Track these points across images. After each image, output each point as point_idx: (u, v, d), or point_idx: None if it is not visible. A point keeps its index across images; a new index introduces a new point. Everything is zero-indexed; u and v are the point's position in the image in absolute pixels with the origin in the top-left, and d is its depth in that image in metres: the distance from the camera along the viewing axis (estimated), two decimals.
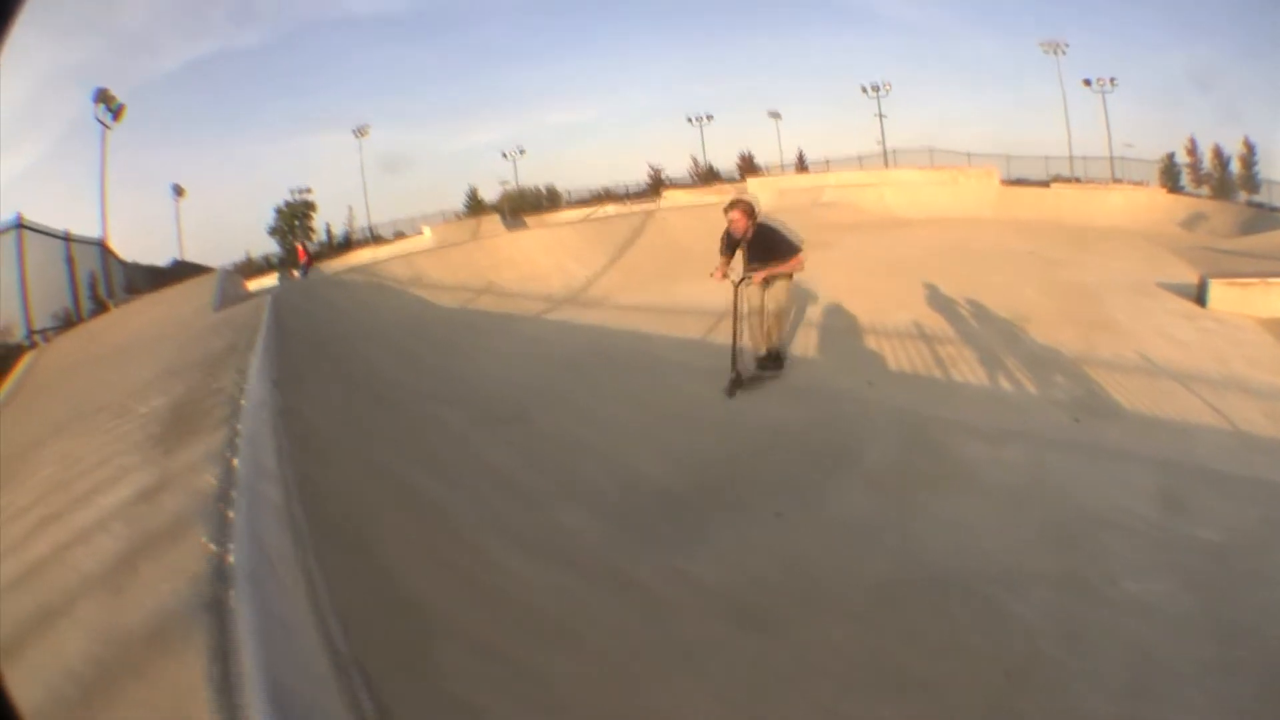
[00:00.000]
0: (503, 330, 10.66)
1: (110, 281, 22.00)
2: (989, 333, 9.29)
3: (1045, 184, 29.12)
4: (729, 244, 8.25)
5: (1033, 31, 71.99)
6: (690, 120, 53.86)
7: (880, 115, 49.11)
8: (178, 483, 2.15)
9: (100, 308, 18.99)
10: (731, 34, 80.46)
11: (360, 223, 49.35)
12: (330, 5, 74.11)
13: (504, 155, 55.12)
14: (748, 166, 51.59)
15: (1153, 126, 63.95)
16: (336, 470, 4.59)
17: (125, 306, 17.11)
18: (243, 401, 2.90)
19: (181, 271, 30.45)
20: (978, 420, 6.63)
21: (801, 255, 8.10)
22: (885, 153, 46.57)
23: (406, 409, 7.04)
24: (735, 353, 7.94)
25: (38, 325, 14.94)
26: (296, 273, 28.96)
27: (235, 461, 2.19)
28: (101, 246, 22.89)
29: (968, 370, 8.07)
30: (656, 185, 46.58)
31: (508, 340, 10.09)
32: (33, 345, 13.95)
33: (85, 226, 30.38)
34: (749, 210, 8.10)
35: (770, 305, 8.11)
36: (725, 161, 53.89)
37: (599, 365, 8.87)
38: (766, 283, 8.14)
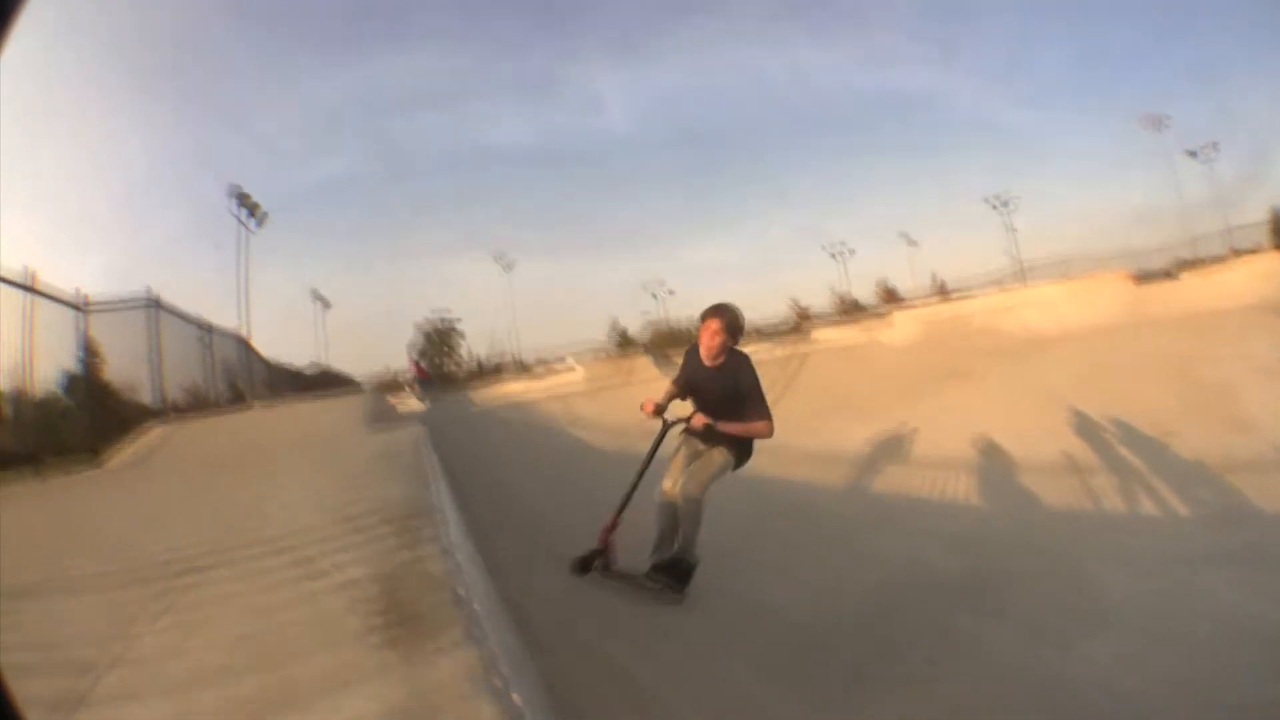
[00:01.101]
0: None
1: (250, 374, 23.43)
2: (1134, 453, 9.11)
3: (1170, 273, 27.99)
4: (687, 371, 6.20)
5: (1131, 110, 70.71)
6: (830, 254, 54.02)
7: (1010, 229, 49.71)
8: (448, 714, 1.87)
9: (238, 396, 20.29)
10: (860, 162, 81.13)
11: (505, 348, 50.49)
12: (476, 135, 77.46)
13: (652, 295, 56.07)
14: (889, 296, 51.06)
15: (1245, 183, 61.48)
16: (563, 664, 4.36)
17: (268, 406, 17.51)
18: (469, 598, 2.63)
19: (323, 378, 31.44)
20: (1131, 550, 6.41)
21: (769, 425, 5.76)
22: (1018, 268, 45.61)
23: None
24: (619, 511, 6.14)
25: (169, 393, 16.09)
26: (415, 389, 29.46)
27: (515, 697, 1.92)
28: (242, 341, 24.50)
29: (1118, 498, 7.83)
30: (801, 321, 46.32)
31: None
32: (163, 413, 14.82)
33: (223, 311, 32.21)
34: (732, 326, 5.83)
35: (690, 484, 5.81)
36: (865, 291, 53.54)
37: (763, 518, 8.26)
38: (706, 440, 6.03)
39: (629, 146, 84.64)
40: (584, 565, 6.04)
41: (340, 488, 4.93)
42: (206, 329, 19.57)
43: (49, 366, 13.62)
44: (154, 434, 12.39)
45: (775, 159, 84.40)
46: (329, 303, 48.12)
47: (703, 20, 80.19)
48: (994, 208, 50.07)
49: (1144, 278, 26.28)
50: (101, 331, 14.87)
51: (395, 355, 53.34)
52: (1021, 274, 44.78)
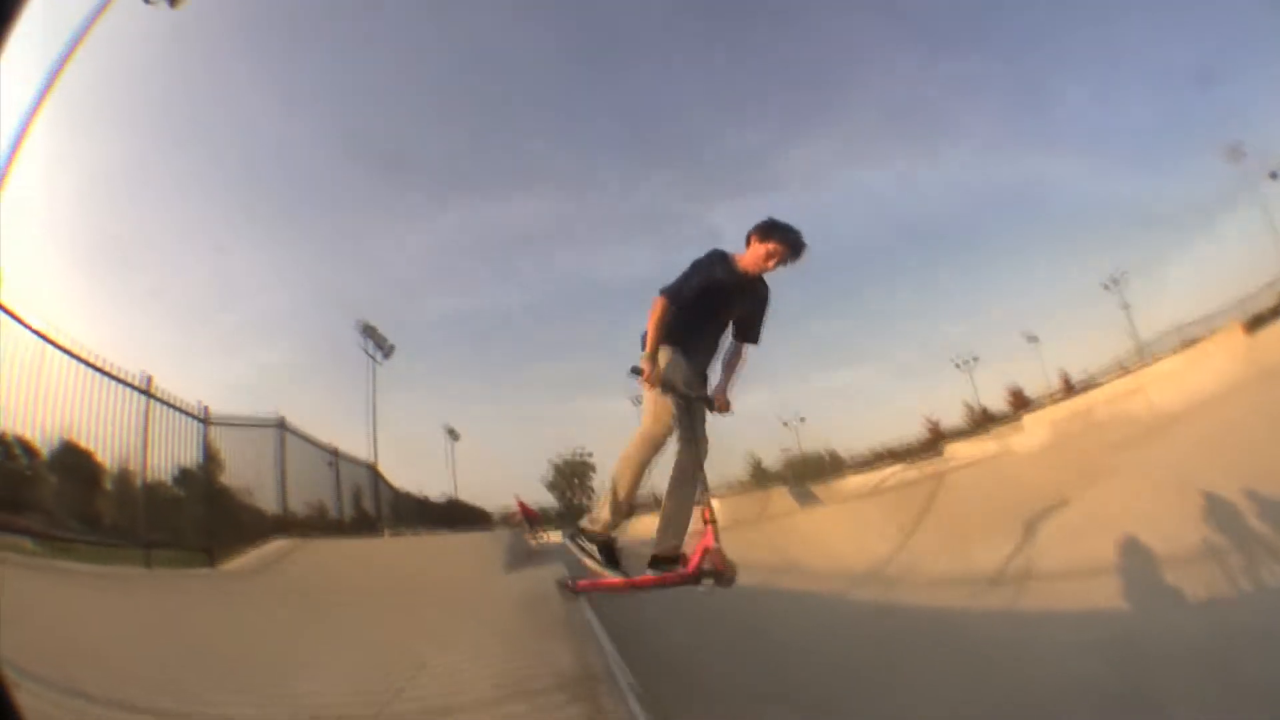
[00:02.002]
0: (824, 615, 10.09)
1: (378, 502, 23.87)
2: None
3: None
4: (711, 281, 5.04)
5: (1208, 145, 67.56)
6: (956, 364, 52.89)
7: (1125, 306, 46.62)
8: None
9: (365, 521, 20.93)
10: (978, 264, 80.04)
11: (643, 489, 50.61)
12: (603, 271, 79.60)
13: (784, 424, 55.60)
14: (1018, 401, 49.30)
15: None
16: None
17: (397, 534, 18.63)
18: None
19: (453, 509, 31.74)
20: None
21: None
22: (1138, 346, 43.45)
23: None
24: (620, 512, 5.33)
25: (291, 507, 16.46)
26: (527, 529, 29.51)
27: None
28: (371, 470, 24.87)
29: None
30: (935, 438, 45.11)
31: (834, 627, 9.43)
32: (286, 526, 15.19)
33: (352, 435, 33.20)
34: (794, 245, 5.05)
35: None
36: (994, 399, 52.01)
37: (922, 651, 7.85)
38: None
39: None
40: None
41: (503, 646, 4.65)
42: (333, 454, 20.18)
43: (165, 464, 13.93)
44: (276, 546, 12.50)
45: (893, 275, 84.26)
46: (458, 435, 49.07)
47: (815, 144, 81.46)
48: (1106, 288, 48.28)
49: (1254, 323, 24.97)
50: (225, 443, 15.40)
51: (527, 488, 54.01)
52: (1141, 351, 42.82)
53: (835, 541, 13.58)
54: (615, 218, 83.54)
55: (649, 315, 4.88)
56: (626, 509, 5.18)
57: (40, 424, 11.16)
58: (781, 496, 24.37)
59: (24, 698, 1.43)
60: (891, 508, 14.90)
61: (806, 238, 5.08)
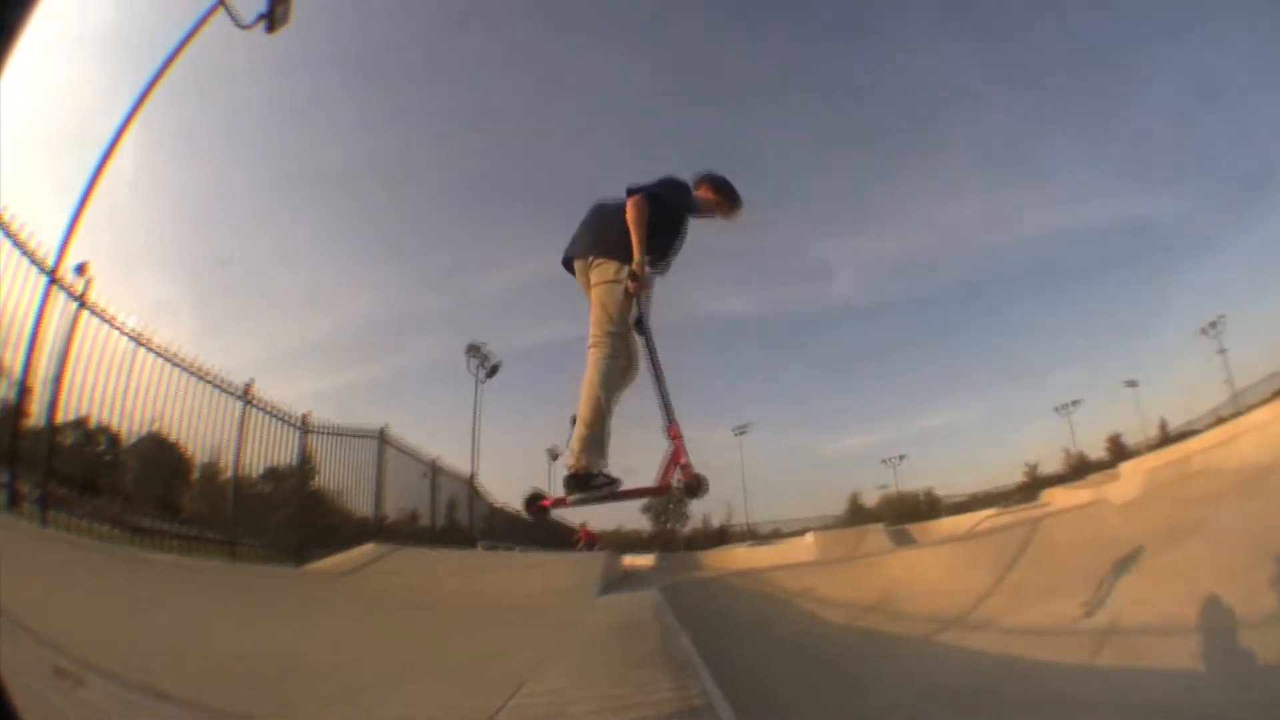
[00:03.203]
0: (907, 656, 10.11)
1: (473, 515, 24.95)
2: None
3: None
4: (671, 216, 5.19)
5: None
6: (1056, 409, 51.51)
7: (1221, 351, 46.49)
8: None
9: (458, 532, 22.11)
10: (1081, 305, 77.86)
11: (738, 515, 50.63)
12: (704, 303, 79.46)
13: (883, 461, 54.95)
14: (1116, 449, 47.70)
15: None
16: None
17: (492, 548, 19.76)
18: None
19: (549, 530, 32.16)
20: None
21: None
22: (1234, 394, 41.62)
23: None
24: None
25: (385, 515, 17.19)
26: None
27: None
28: (469, 484, 26.12)
29: None
30: (1032, 484, 44.05)
31: (917, 670, 9.49)
32: (378, 531, 15.81)
33: (452, 451, 33.76)
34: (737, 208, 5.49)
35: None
36: (1094, 444, 50.43)
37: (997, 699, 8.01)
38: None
39: (855, 313, 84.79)
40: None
41: (601, 671, 4.52)
42: (431, 466, 20.95)
43: (259, 465, 14.55)
44: (367, 550, 12.65)
45: (996, 316, 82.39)
46: (559, 453, 49.36)
47: (915, 182, 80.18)
48: (1204, 333, 46.60)
49: None
50: (323, 449, 16.13)
51: (624, 515, 54.26)
52: (1235, 399, 41.05)
53: (924, 583, 13.41)
54: (718, 250, 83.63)
55: (627, 211, 4.87)
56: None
57: (129, 419, 11.55)
58: (876, 534, 24.08)
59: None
60: (983, 552, 14.77)
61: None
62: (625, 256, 4.79)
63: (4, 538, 7.96)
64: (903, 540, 24.29)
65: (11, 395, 10.16)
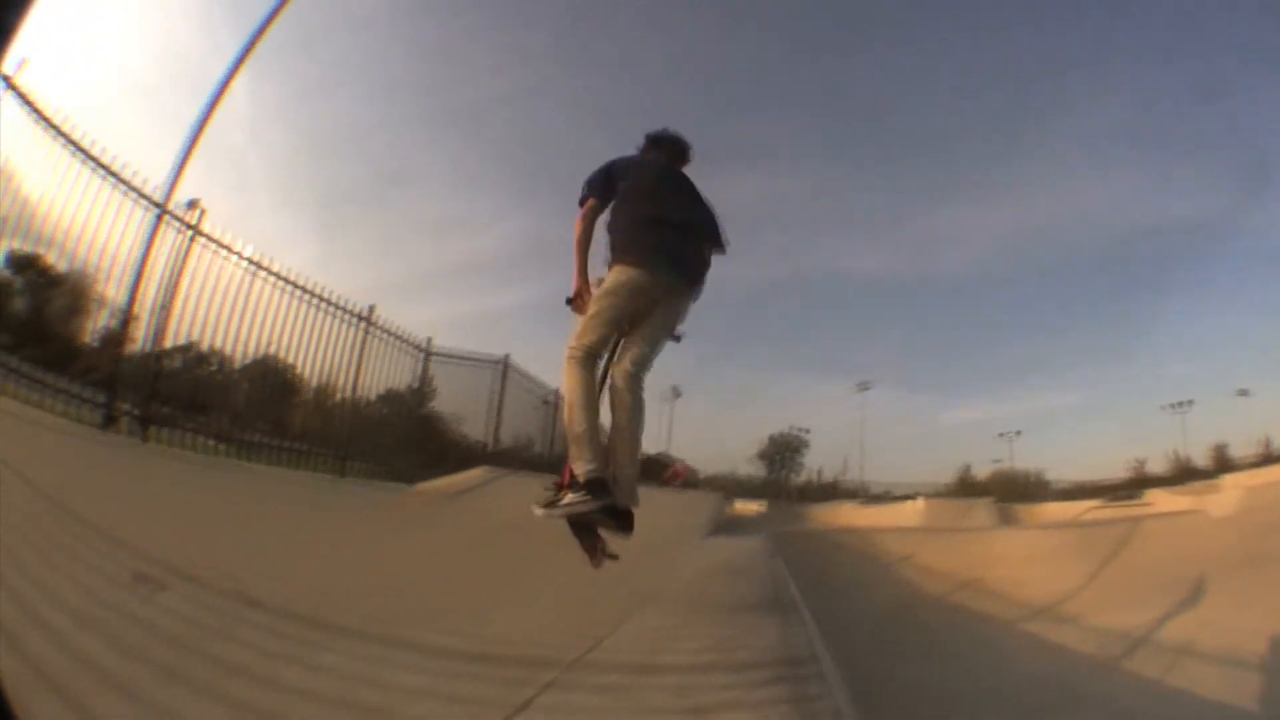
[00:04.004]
0: (994, 641, 9.85)
1: None
2: None
3: None
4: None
5: None
6: (1166, 406, 49.60)
7: None
8: None
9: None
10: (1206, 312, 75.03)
11: (850, 472, 50.28)
12: (833, 258, 78.93)
13: (1000, 435, 53.87)
14: (1220, 459, 45.76)
15: None
16: None
17: None
18: None
19: (662, 464, 32.06)
20: None
21: None
22: None
23: None
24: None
25: (501, 439, 17.33)
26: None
27: None
28: None
29: None
30: (1137, 482, 42.61)
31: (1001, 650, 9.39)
32: (491, 456, 15.93)
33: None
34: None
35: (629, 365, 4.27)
36: (1200, 449, 48.51)
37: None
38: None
39: (979, 282, 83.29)
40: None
41: (706, 612, 4.47)
42: (555, 394, 20.75)
43: (377, 386, 14.79)
44: (478, 473, 12.89)
45: (1119, 302, 79.89)
46: (680, 392, 49.60)
47: (1035, 157, 77.93)
48: None
49: None
50: (444, 374, 16.42)
51: (738, 456, 54.54)
52: None
53: (1021, 567, 13.20)
54: (854, 211, 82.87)
55: None
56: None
57: (243, 343, 11.77)
58: (984, 509, 23.72)
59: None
60: (1081, 544, 14.43)
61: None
62: (614, 260, 4.38)
63: (97, 452, 8.14)
64: (1008, 519, 24.16)
65: (114, 323, 10.57)
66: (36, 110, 8.93)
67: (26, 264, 12.77)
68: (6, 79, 8.54)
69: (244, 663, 2.39)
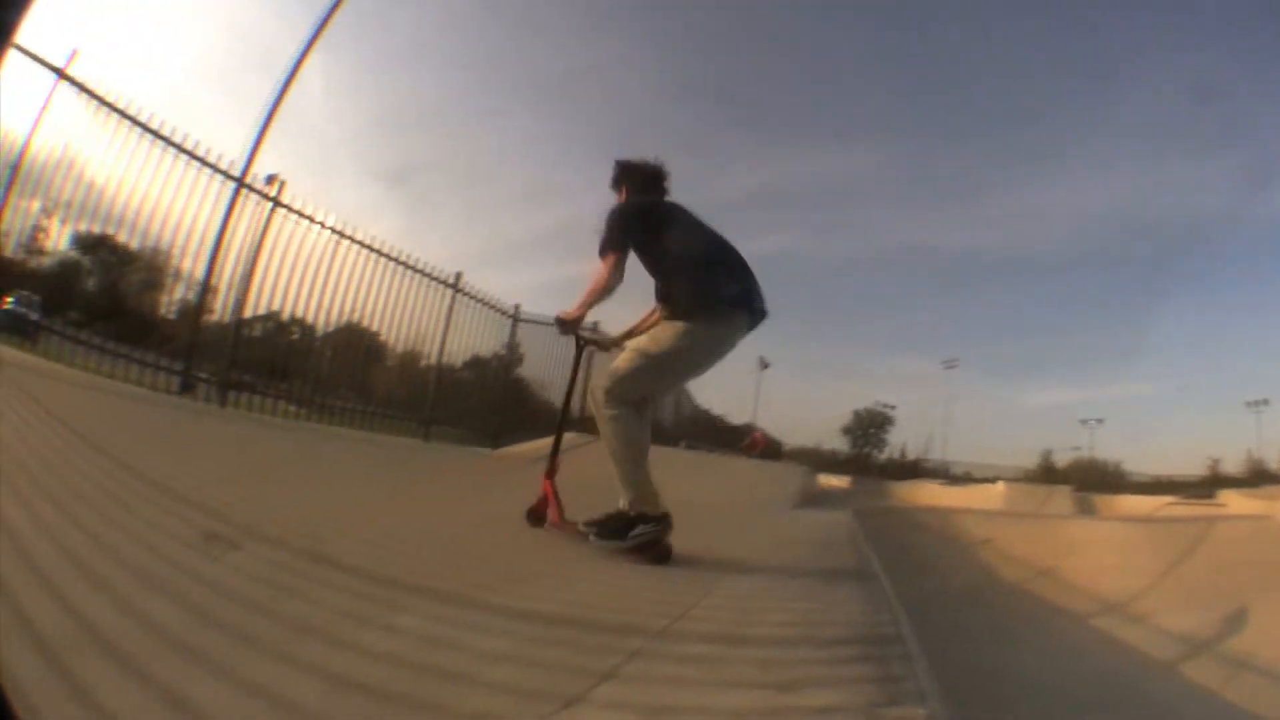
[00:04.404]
0: (1063, 633, 10.03)
1: (676, 412, 24.58)
2: None
3: None
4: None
5: None
6: (1248, 404, 48.59)
7: None
8: None
9: (656, 428, 21.11)
10: None
11: (935, 454, 50.13)
12: (917, 232, 78.29)
13: (1082, 422, 53.38)
14: None
15: None
16: None
17: (693, 448, 20.21)
18: None
19: (740, 432, 31.93)
20: None
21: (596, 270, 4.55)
22: None
23: None
24: (555, 448, 5.44)
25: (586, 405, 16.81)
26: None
27: None
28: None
29: None
30: (1212, 480, 41.78)
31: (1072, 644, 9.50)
32: (577, 421, 15.77)
33: None
34: (614, 182, 5.07)
35: (594, 387, 4.72)
36: (1274, 451, 47.49)
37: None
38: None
39: (1068, 263, 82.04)
40: (533, 516, 5.05)
41: (791, 585, 4.37)
42: None
43: (464, 352, 15.04)
44: (566, 437, 12.74)
45: (1203, 293, 78.29)
46: (769, 364, 49.91)
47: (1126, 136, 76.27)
48: None
49: None
50: (530, 340, 16.21)
51: (822, 430, 54.86)
52: None
53: (1096, 559, 13.12)
54: (948, 187, 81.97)
55: None
56: None
57: (326, 311, 11.99)
58: (1062, 497, 23.57)
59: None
60: (1154, 541, 14.39)
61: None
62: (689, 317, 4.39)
63: (172, 416, 8.29)
64: (1085, 509, 24.23)
65: (191, 295, 11.03)
66: (97, 97, 9.10)
67: (96, 244, 13.23)
68: (59, 71, 8.75)
69: (318, 623, 2.32)
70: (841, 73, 79.42)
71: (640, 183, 4.91)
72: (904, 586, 7.75)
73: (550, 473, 5.14)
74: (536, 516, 5.04)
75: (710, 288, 4.34)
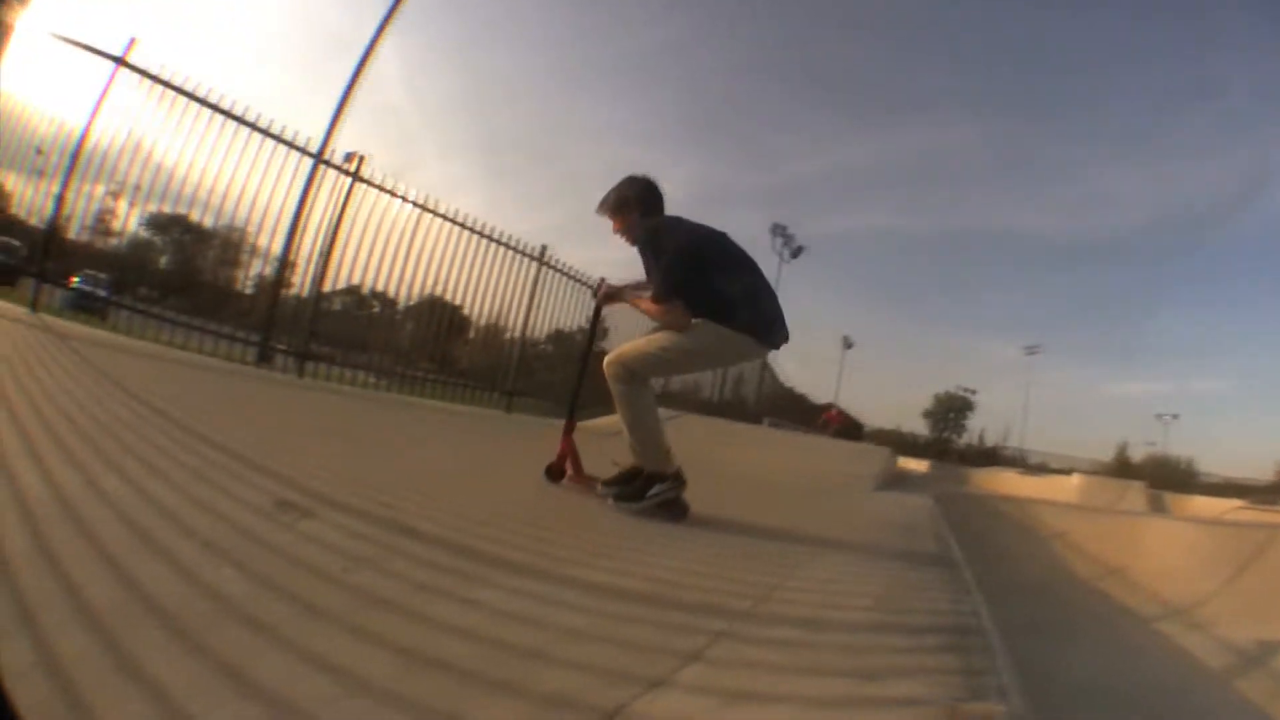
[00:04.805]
0: (1130, 635, 9.60)
1: (760, 390, 26.11)
2: None
3: None
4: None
5: None
6: None
7: None
8: None
9: (741, 405, 23.26)
10: None
11: (1012, 442, 49.90)
12: (1008, 216, 77.88)
13: (1157, 416, 52.88)
14: None
15: None
16: None
17: (777, 426, 21.03)
18: None
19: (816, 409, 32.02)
20: None
21: (659, 309, 4.71)
22: None
23: None
24: (572, 407, 5.65)
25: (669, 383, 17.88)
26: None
27: None
28: (763, 361, 26.44)
29: None
30: None
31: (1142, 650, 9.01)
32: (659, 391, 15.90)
33: None
34: (614, 204, 5.01)
35: (611, 357, 4.89)
36: None
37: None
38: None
39: (1153, 252, 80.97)
40: (552, 473, 5.21)
41: (875, 569, 4.26)
42: None
43: (545, 324, 15.03)
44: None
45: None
46: (853, 343, 50.35)
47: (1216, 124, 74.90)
48: None
49: None
50: (615, 314, 16.01)
51: (903, 412, 55.11)
52: None
53: (1166, 559, 12.85)
54: (1024, 165, 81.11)
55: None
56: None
57: (408, 285, 12.09)
58: (1136, 493, 23.21)
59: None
60: (1224, 545, 13.66)
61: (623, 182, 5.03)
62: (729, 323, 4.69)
63: (248, 386, 8.31)
64: (1157, 506, 23.89)
65: (269, 270, 11.19)
66: (163, 82, 9.31)
67: (169, 223, 13.46)
68: (118, 59, 8.97)
69: (392, 595, 2.20)
70: (924, 46, 79.01)
71: (653, 204, 4.98)
72: (981, 575, 7.62)
73: (569, 429, 5.29)
74: (556, 472, 5.18)
75: (755, 316, 4.69)
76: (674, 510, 4.61)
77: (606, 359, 4.74)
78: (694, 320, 4.63)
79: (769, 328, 4.79)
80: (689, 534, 4.23)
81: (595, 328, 6.10)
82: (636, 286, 5.08)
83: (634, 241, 4.88)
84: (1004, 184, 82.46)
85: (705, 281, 4.57)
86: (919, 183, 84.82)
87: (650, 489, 4.60)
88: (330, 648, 1.73)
